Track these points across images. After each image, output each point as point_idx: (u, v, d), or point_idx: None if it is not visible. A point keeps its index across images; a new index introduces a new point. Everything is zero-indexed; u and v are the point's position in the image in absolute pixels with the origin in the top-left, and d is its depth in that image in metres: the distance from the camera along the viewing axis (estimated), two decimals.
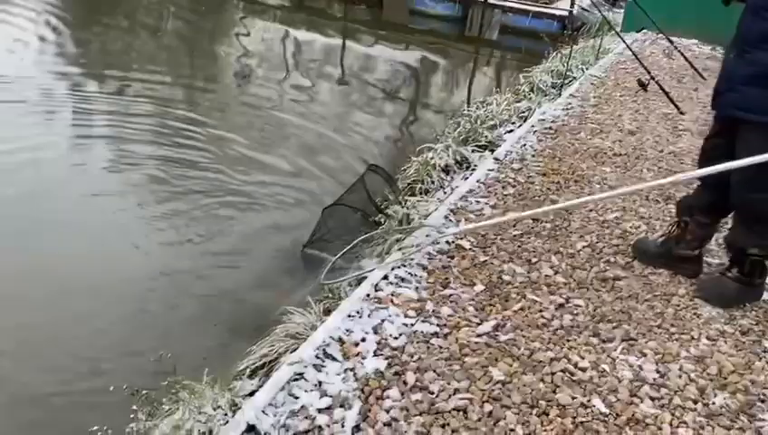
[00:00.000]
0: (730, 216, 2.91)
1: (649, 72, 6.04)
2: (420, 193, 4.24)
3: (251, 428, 2.05)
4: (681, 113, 5.49)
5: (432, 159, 4.60)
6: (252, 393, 2.27)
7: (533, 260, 3.11)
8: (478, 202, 3.71)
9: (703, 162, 2.84)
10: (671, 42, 7.58)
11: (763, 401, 2.27)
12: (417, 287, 2.85)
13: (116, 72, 6.77)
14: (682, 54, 7.16)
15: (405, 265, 3.01)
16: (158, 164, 4.78)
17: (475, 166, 4.57)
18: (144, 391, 2.32)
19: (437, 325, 2.59)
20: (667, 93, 5.60)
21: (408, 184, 4.42)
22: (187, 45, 9.15)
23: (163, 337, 2.98)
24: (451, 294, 2.80)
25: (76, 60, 7.35)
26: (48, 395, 2.63)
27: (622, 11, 11.06)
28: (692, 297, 2.88)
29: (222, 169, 4.81)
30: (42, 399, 2.61)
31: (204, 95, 6.62)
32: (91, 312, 3.13)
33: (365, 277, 2.98)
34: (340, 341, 2.47)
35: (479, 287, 2.86)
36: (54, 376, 2.72)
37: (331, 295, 3.04)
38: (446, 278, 2.93)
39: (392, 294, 2.79)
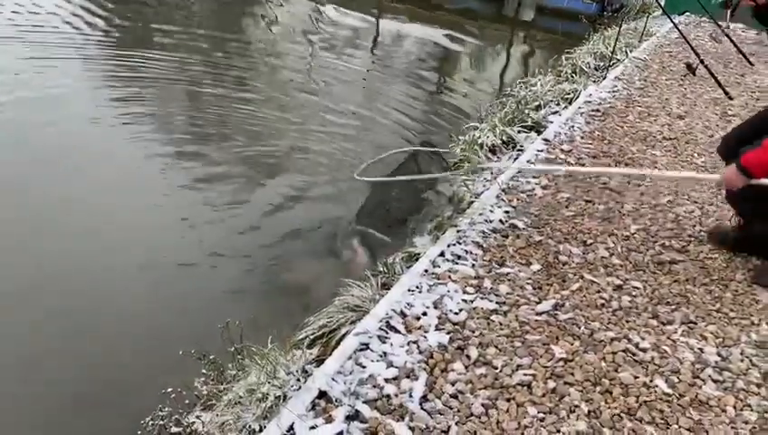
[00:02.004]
0: None
1: (699, 56, 5.92)
2: (469, 172, 4.24)
3: (322, 394, 2.11)
4: (730, 99, 5.39)
5: (479, 138, 4.59)
6: (320, 361, 2.32)
7: (589, 242, 3.11)
8: (529, 183, 3.71)
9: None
10: (719, 25, 7.41)
11: None
12: (473, 265, 2.88)
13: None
14: (729, 38, 6.99)
15: (460, 243, 3.03)
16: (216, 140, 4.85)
17: (522, 147, 4.56)
18: (212, 356, 2.39)
19: (497, 302, 2.62)
20: (716, 78, 5.49)
21: (455, 163, 4.42)
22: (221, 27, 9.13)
23: (222, 305, 3.05)
24: (508, 273, 2.82)
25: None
26: (122, 362, 2.72)
27: None
28: (750, 283, 2.87)
29: (274, 144, 4.86)
30: (117, 363, 2.70)
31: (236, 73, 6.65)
32: (156, 282, 3.22)
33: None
34: (402, 314, 2.52)
35: (536, 266, 2.88)
36: (125, 343, 2.81)
37: (386, 271, 3.07)
38: (502, 257, 2.95)
39: (449, 271, 2.82)
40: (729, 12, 2.91)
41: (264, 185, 4.36)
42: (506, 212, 3.36)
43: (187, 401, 2.28)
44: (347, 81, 6.88)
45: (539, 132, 4.75)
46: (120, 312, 2.99)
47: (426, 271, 2.82)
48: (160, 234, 3.65)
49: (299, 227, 3.89)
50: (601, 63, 6.68)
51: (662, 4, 9.93)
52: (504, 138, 4.80)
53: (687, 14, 9.46)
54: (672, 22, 6.50)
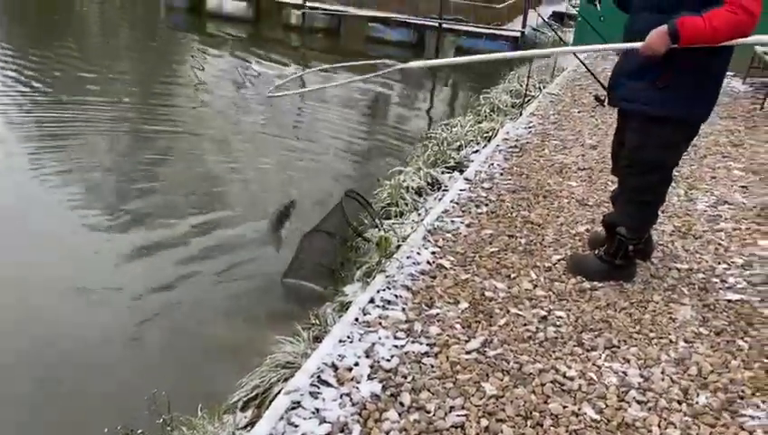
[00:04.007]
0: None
1: (604, 87, 6.26)
2: (396, 216, 4.31)
3: None
4: None
5: (404, 181, 4.68)
6: (251, 425, 2.27)
7: (513, 275, 3.20)
8: (453, 222, 3.80)
9: (616, 157, 3.12)
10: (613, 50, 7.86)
11: (742, 398, 2.38)
12: (403, 309, 2.90)
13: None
14: (591, 72, 7.39)
15: (390, 288, 3.06)
16: (139, 194, 4.80)
17: (446, 187, 4.67)
18: (139, 431, 2.30)
19: (427, 345, 2.64)
20: None
21: (383, 208, 4.49)
22: (142, 84, 9.08)
23: (148, 374, 2.95)
24: (437, 314, 2.86)
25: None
26: None
27: (572, 29, 11.48)
28: (666, 302, 3.01)
29: (192, 205, 4.84)
30: None
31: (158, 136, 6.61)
32: (78, 351, 3.10)
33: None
34: (334, 367, 2.50)
35: (464, 305, 2.93)
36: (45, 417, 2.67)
37: (317, 322, 3.06)
38: (431, 298, 2.99)
39: (380, 317, 2.83)
40: (597, 2, 3.12)
41: (187, 240, 4.33)
42: (433, 253, 3.42)
43: None
44: (273, 131, 6.92)
45: (462, 172, 4.89)
46: (31, 395, 2.85)
47: (356, 319, 2.82)
48: (72, 302, 3.54)
49: (225, 283, 3.85)
50: (517, 101, 6.99)
51: (570, 40, 10.54)
52: (429, 179, 4.93)
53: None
54: (578, 57, 6.88)
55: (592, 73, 6.49)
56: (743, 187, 4.46)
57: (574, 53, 6.37)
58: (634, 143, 2.85)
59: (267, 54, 11.40)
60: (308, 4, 12.99)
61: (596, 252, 3.23)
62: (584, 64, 6.71)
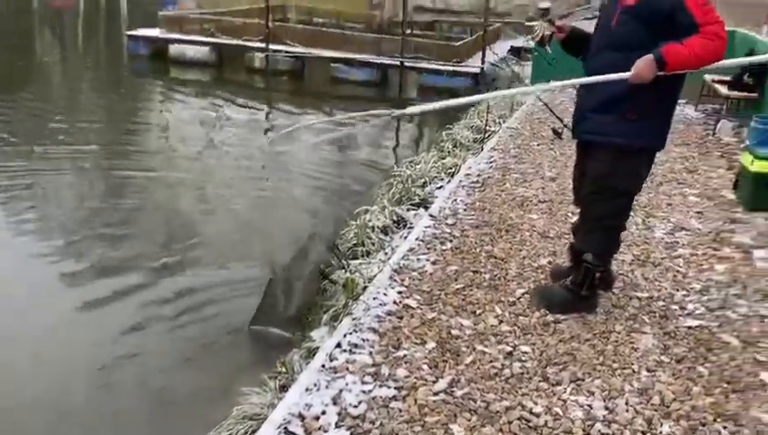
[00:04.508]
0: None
1: (561, 120, 6.45)
2: (362, 255, 4.32)
3: None
4: None
5: (370, 220, 4.72)
6: None
7: (478, 312, 3.22)
8: (419, 260, 3.83)
9: (575, 189, 3.24)
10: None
11: (704, 425, 2.42)
12: (370, 352, 2.89)
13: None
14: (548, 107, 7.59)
15: (356, 331, 3.05)
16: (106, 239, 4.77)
17: (412, 224, 4.72)
18: None
19: (395, 388, 2.63)
20: None
21: (350, 248, 4.50)
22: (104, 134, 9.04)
23: (110, 427, 2.90)
24: (404, 355, 2.86)
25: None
26: None
27: (530, 62, 11.81)
28: (628, 332, 3.06)
29: (159, 253, 4.80)
30: None
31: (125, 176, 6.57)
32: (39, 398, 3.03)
33: None
34: (301, 416, 2.47)
35: (431, 344, 2.94)
36: None
37: (285, 370, 3.03)
38: (398, 339, 2.99)
39: (347, 362, 2.82)
40: (547, 46, 3.25)
41: (154, 286, 4.31)
42: (399, 292, 3.43)
43: None
44: (242, 174, 6.94)
45: (426, 208, 4.94)
46: None
47: (323, 366, 2.80)
48: (34, 348, 3.49)
49: (193, 331, 3.81)
50: (479, 136, 7.13)
51: (528, 74, 10.83)
52: (395, 217, 4.96)
53: (552, 81, 10.32)
54: (535, 94, 7.08)
55: (550, 108, 6.67)
56: (698, 212, 4.60)
57: (537, 96, 6.55)
58: (602, 171, 2.94)
59: (233, 97, 11.47)
60: (271, 47, 13.13)
61: (561, 282, 3.28)
62: (541, 100, 6.90)
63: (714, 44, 2.58)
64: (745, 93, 6.98)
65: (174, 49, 13.89)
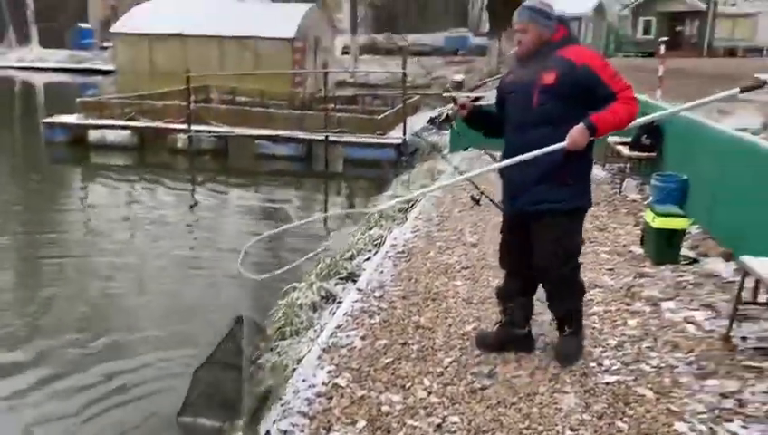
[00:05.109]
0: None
1: (478, 187, 6.73)
2: (291, 335, 4.29)
3: None
4: None
5: (298, 299, 4.71)
6: None
7: (408, 385, 3.25)
8: (348, 336, 3.84)
9: (505, 255, 3.48)
10: (493, 157, 8.52)
11: None
12: None
13: None
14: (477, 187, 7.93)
15: (286, 416, 3.01)
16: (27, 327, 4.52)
17: (340, 299, 4.75)
18: None
19: None
20: (496, 205, 6.23)
21: (278, 328, 4.47)
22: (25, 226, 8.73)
23: None
24: None
25: None
26: None
27: (448, 132, 12.33)
28: (551, 393, 3.16)
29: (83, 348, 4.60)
30: None
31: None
32: None
33: None
34: None
35: (361, 424, 2.93)
36: None
37: None
38: (329, 421, 2.97)
39: None
40: (453, 122, 3.52)
41: (76, 375, 4.16)
42: (329, 372, 3.43)
43: None
44: (166, 255, 6.81)
45: (354, 281, 5.00)
46: None
47: None
48: None
49: (118, 424, 3.66)
50: (403, 206, 7.32)
51: (447, 144, 11.30)
52: (323, 293, 4.98)
53: (470, 148, 10.80)
54: (449, 163, 7.38)
55: (471, 181, 6.92)
56: (609, 269, 4.86)
57: (469, 179, 6.83)
58: (556, 235, 3.19)
59: (156, 178, 11.35)
60: (193, 127, 13.16)
61: (564, 333, 3.44)
62: (456, 168, 7.18)
63: (631, 107, 2.99)
64: (645, 153, 7.53)
65: (93, 134, 13.69)
